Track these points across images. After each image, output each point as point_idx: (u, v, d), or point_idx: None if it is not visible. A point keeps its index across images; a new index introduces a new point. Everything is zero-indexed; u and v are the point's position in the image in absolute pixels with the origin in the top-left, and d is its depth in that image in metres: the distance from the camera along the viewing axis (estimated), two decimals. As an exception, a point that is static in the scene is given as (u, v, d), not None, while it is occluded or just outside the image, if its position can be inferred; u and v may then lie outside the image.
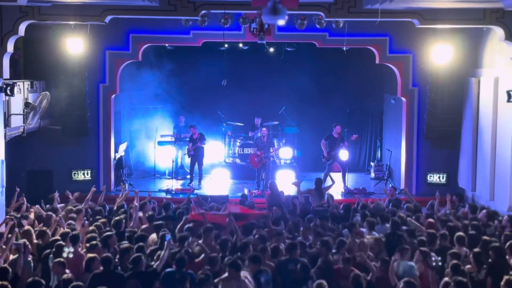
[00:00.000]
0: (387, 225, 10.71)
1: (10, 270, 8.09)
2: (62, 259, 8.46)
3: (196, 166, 17.37)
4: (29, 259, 8.77)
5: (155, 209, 12.01)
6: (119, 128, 18.17)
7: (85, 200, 12.51)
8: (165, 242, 8.70)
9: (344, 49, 15.77)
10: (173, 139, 18.36)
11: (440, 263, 8.60)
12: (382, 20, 12.55)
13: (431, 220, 10.77)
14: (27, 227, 10.18)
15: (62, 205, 12.31)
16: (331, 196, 12.98)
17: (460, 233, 9.54)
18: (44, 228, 10.15)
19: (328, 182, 14.38)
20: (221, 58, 17.35)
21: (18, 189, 12.40)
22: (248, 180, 17.50)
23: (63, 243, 8.93)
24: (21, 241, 8.91)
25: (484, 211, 11.60)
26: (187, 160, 18.05)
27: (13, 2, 11.56)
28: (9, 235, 9.16)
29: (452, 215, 11.47)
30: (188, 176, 17.53)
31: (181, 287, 7.91)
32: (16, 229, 9.55)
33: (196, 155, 17.30)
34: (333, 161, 16.72)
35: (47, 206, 12.18)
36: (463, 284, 7.59)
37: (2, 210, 12.18)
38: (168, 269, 8.21)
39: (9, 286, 7.71)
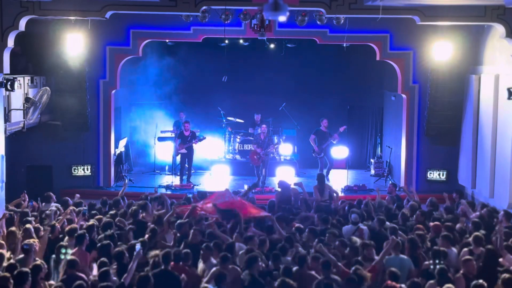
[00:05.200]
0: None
1: (18, 265, 7.98)
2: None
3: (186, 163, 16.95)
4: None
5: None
6: (119, 123, 18.15)
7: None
8: (134, 253, 7.96)
9: (345, 45, 15.76)
10: (173, 135, 18.32)
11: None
12: (383, 16, 12.54)
13: (437, 223, 10.59)
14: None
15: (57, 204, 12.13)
16: (335, 193, 12.98)
17: (477, 233, 9.21)
18: (54, 222, 10.14)
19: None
20: (222, 54, 17.33)
21: (26, 196, 12.11)
22: (248, 176, 17.45)
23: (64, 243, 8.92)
24: (31, 240, 8.78)
25: (463, 205, 11.47)
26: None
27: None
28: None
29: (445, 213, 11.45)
30: (187, 172, 17.25)
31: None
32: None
33: (187, 153, 16.85)
34: (324, 155, 16.80)
35: (43, 204, 12.03)
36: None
37: (2, 205, 12.19)
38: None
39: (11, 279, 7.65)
